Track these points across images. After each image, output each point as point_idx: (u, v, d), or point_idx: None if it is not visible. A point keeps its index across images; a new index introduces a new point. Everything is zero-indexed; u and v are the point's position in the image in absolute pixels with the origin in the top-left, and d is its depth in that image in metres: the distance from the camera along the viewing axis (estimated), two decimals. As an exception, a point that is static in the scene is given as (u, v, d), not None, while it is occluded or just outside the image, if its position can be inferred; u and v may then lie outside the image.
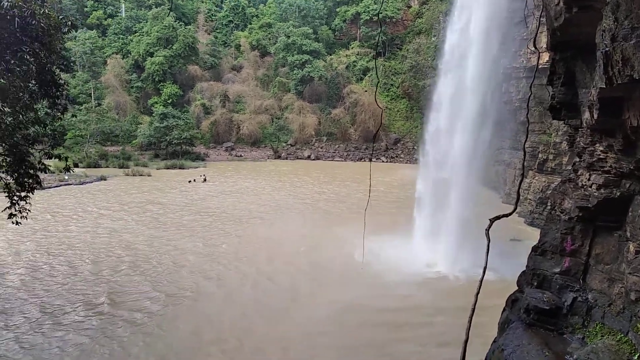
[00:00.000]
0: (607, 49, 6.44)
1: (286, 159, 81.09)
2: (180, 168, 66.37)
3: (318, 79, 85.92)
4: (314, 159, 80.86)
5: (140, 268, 25.11)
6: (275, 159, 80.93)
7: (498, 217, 10.29)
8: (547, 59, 27.03)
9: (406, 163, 76.09)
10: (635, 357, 7.84)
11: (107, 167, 64.95)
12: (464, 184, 27.10)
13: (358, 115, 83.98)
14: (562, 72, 9.09)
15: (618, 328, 8.56)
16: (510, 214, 10.64)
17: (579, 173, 8.93)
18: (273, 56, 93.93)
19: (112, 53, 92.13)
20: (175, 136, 72.27)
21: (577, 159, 9.02)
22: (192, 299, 21.29)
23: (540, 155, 37.94)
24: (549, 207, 10.16)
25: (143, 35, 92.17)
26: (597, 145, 8.52)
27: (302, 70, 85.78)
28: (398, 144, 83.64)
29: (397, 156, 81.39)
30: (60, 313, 19.31)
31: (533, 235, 31.82)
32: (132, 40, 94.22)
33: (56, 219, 35.20)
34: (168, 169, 65.81)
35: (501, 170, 47.40)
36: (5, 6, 13.54)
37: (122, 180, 55.02)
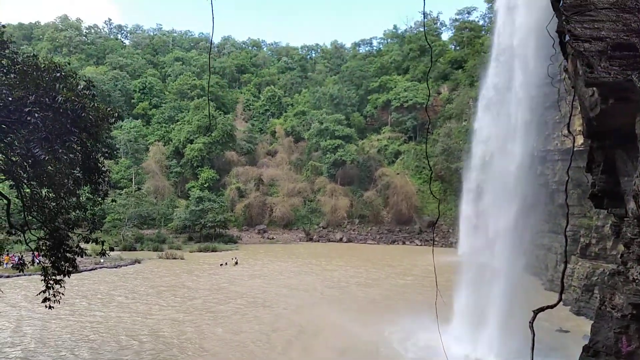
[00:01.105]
0: (646, 138, 6.23)
1: (318, 241, 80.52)
2: (213, 251, 66.61)
3: (350, 162, 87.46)
4: (345, 242, 80.00)
5: (155, 356, 24.45)
6: (307, 241, 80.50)
7: (542, 309, 9.54)
8: (581, 141, 26.88)
9: (441, 246, 74.15)
10: None
11: (142, 249, 65.88)
12: (505, 271, 25.96)
13: (390, 197, 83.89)
14: (601, 160, 8.80)
15: None
16: (554, 305, 9.90)
17: (628, 265, 8.31)
18: (306, 141, 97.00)
19: (155, 140, 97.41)
20: (210, 219, 73.49)
21: (626, 250, 8.46)
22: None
23: (582, 240, 36.26)
24: (597, 301, 9.41)
25: (184, 124, 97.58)
26: (646, 235, 7.99)
27: (335, 154, 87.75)
28: (431, 227, 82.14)
29: (431, 239, 79.62)
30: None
31: (580, 325, 29.68)
32: (174, 129, 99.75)
33: (85, 303, 35.23)
34: (201, 251, 66.18)
35: (542, 255, 45.39)
36: (59, 100, 14.62)
37: (155, 264, 55.45)
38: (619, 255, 8.87)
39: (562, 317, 31.69)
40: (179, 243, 71.07)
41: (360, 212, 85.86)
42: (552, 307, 10.19)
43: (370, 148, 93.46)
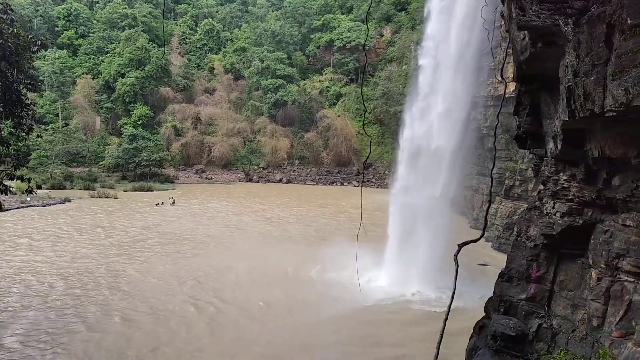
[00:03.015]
0: (569, 83, 6.73)
1: (258, 182, 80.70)
2: (148, 190, 65.00)
3: (291, 103, 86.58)
4: (285, 182, 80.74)
5: (68, 297, 23.88)
6: (246, 181, 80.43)
7: (466, 243, 10.35)
8: (513, 88, 28.11)
9: (377, 187, 76.74)
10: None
11: (73, 188, 63.11)
12: (434, 210, 27.43)
13: (330, 139, 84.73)
14: (528, 104, 9.41)
15: (581, 354, 8.72)
16: (477, 239, 10.77)
17: (543, 201, 9.19)
18: (247, 80, 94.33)
19: (82, 73, 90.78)
20: (144, 158, 71.14)
21: (542, 187, 9.29)
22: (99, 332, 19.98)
23: (507, 182, 38.91)
24: (515, 234, 10.37)
25: (115, 56, 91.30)
26: (561, 174, 8.81)
27: (276, 94, 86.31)
28: (369, 169, 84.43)
29: (368, 180, 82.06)
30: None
31: (500, 260, 32.36)
32: (103, 61, 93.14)
33: (4, 243, 33.65)
34: (136, 191, 64.42)
35: (469, 195, 48.33)
36: (-29, 24, 13.26)
37: (86, 203, 53.50)
38: (536, 193, 9.75)
39: (484, 253, 34.41)
40: (111, 182, 68.59)
41: (300, 154, 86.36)
42: (475, 241, 11.09)
43: (312, 89, 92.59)
